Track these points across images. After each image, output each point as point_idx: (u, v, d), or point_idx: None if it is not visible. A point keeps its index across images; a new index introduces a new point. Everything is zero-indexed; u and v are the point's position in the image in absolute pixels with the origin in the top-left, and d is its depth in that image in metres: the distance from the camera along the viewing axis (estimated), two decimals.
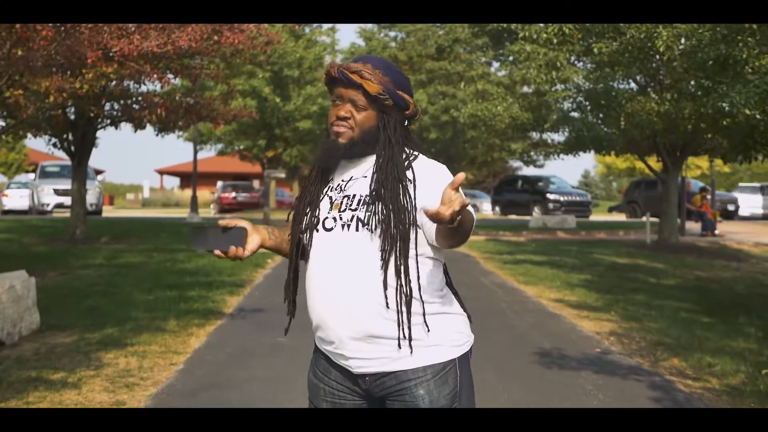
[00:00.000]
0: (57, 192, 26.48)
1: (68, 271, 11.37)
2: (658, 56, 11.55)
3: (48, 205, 26.83)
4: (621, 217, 31.51)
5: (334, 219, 2.30)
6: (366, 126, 2.32)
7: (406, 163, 2.31)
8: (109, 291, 9.45)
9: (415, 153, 2.35)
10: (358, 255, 2.25)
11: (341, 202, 2.32)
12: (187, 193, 42.78)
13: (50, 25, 9.09)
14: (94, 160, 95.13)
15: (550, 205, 29.07)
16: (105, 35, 9.93)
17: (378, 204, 2.25)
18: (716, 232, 20.62)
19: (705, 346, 6.91)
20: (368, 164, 2.35)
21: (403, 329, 2.23)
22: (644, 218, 19.62)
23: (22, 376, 5.50)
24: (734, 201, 30.85)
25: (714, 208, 23.45)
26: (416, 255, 2.25)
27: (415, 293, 2.24)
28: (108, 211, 34.12)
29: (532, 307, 9.16)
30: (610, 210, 38.91)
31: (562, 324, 8.12)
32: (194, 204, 25.99)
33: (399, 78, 2.37)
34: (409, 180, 2.28)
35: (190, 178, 28.14)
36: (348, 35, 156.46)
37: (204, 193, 44.23)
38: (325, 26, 36.52)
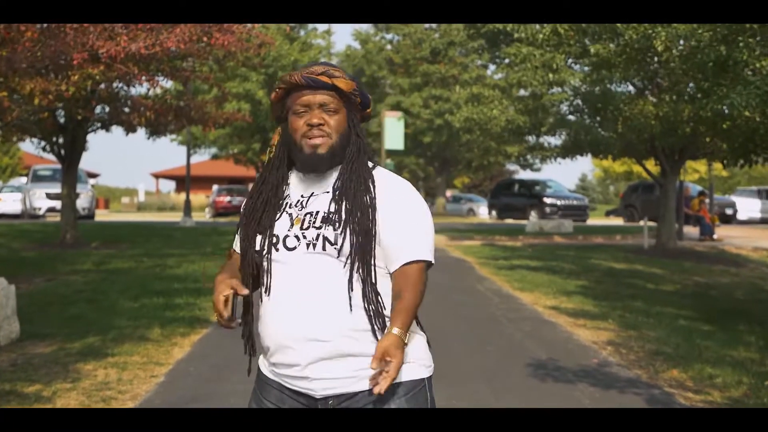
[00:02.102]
0: (49, 196, 26.17)
1: (55, 276, 11.14)
2: (656, 58, 11.37)
3: (40, 209, 26.52)
4: (618, 221, 31.35)
5: (297, 237, 2.15)
6: (342, 130, 2.19)
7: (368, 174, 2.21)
8: (95, 298, 9.23)
9: (372, 163, 2.24)
10: (325, 273, 2.12)
11: (303, 219, 2.16)
12: (183, 196, 42.56)
13: (35, 26, 8.89)
14: (89, 163, 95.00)
15: (547, 209, 28.90)
16: (91, 36, 9.73)
17: (347, 222, 2.12)
18: (714, 236, 20.45)
19: (705, 356, 6.71)
20: (332, 178, 2.20)
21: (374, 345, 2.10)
22: (642, 222, 19.44)
23: None
24: (732, 205, 30.71)
25: (712, 212, 23.27)
26: (380, 272, 2.15)
27: (385, 310, 2.14)
28: (103, 215, 33.86)
29: (528, 315, 8.94)
30: (608, 214, 38.78)
31: (558, 333, 7.90)
32: (188, 208, 25.78)
33: (355, 78, 2.27)
34: (372, 190, 2.17)
35: (185, 181, 27.99)
36: (343, 38, 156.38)
37: (200, 197, 44.02)
38: (321, 29, 36.37)
